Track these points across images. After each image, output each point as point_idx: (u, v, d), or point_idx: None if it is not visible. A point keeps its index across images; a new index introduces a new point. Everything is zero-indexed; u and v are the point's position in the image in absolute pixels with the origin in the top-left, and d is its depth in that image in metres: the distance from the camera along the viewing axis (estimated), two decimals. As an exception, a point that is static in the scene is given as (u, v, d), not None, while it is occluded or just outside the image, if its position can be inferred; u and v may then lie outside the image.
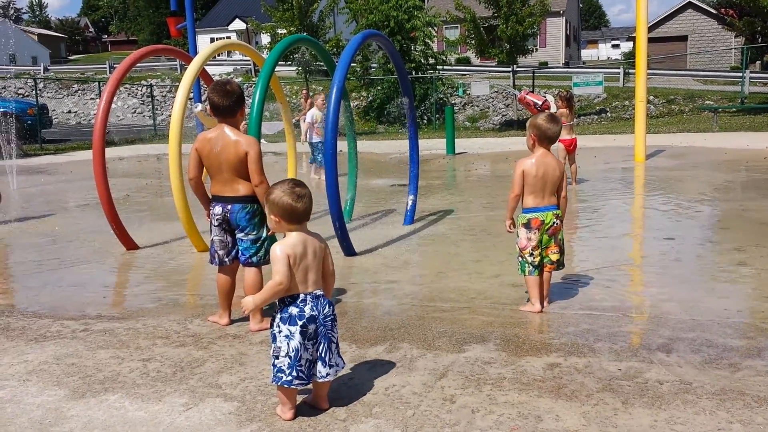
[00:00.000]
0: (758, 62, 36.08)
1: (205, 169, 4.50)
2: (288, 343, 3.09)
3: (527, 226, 4.52)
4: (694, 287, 5.10)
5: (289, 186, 3.15)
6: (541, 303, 4.58)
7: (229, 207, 4.36)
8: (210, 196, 4.52)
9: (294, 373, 3.08)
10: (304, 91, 22.38)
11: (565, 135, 9.78)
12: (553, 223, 4.49)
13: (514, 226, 4.67)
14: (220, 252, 4.48)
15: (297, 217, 3.14)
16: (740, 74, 26.39)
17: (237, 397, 3.44)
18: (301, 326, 3.08)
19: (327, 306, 3.18)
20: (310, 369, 3.14)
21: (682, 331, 4.13)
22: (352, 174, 8.30)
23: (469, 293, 5.16)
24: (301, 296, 3.13)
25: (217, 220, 4.42)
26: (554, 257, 4.56)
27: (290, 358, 3.08)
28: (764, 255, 5.88)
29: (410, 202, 8.14)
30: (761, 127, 19.07)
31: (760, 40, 27.56)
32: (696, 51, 39.61)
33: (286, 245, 3.12)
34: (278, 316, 3.15)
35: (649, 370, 3.57)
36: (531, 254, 4.52)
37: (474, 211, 8.79)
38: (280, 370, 3.09)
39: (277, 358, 3.12)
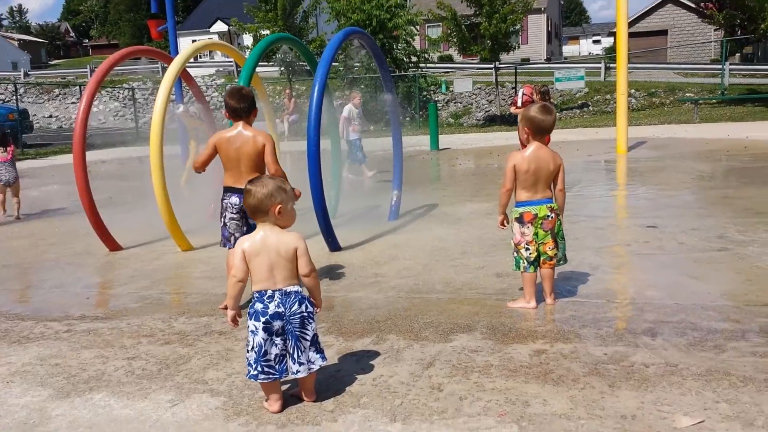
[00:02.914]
0: (737, 54, 36.41)
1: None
2: (253, 338, 3.08)
3: (520, 220, 4.37)
4: (677, 273, 5.13)
5: (249, 183, 3.21)
6: (545, 299, 4.50)
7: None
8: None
9: (259, 368, 3.06)
10: (288, 91, 22.37)
11: None
12: (547, 216, 4.33)
13: (508, 222, 4.50)
14: (237, 234, 4.70)
15: (250, 212, 3.19)
16: (720, 66, 26.64)
17: (224, 392, 3.42)
18: (264, 322, 3.05)
19: (297, 303, 3.10)
20: (283, 363, 3.11)
21: (666, 315, 4.16)
22: (336, 171, 8.29)
23: (455, 284, 5.17)
24: (268, 292, 3.10)
25: (235, 209, 4.75)
26: (551, 253, 4.39)
27: (255, 353, 3.07)
28: (745, 240, 5.94)
29: (395, 198, 8.14)
30: (741, 118, 19.28)
31: (739, 32, 27.77)
32: (676, 44, 39.94)
33: (245, 241, 3.14)
34: (249, 310, 3.14)
35: (634, 354, 3.59)
36: (526, 249, 4.37)
37: (458, 205, 8.81)
38: (249, 364, 3.10)
39: (247, 351, 3.13)
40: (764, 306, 4.24)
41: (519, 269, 4.47)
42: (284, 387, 3.33)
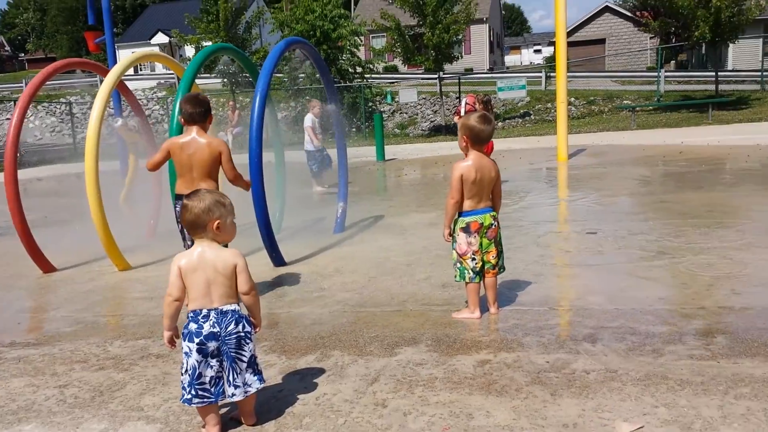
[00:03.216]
0: (673, 62, 37.75)
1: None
2: (187, 360, 2.97)
3: (466, 230, 4.35)
4: (616, 278, 5.22)
5: (185, 197, 3.10)
6: (489, 308, 4.50)
7: None
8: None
9: (193, 392, 2.95)
10: (231, 103, 22.10)
11: None
12: (491, 225, 4.36)
13: (452, 235, 4.49)
14: (189, 242, 4.78)
15: (187, 228, 3.10)
16: (656, 74, 27.52)
17: (160, 419, 3.30)
18: (198, 343, 2.94)
19: (233, 323, 2.99)
20: (219, 386, 3.00)
21: (606, 321, 4.22)
22: (280, 184, 8.19)
23: (400, 296, 5.14)
24: (203, 311, 2.99)
25: None
26: (494, 261, 4.41)
27: (189, 375, 2.96)
28: (681, 244, 6.10)
29: (340, 210, 8.09)
30: (676, 124, 19.93)
31: (674, 40, 28.77)
32: (614, 53, 41.10)
33: (178, 258, 3.04)
34: (183, 331, 3.03)
35: (576, 361, 3.62)
36: (473, 259, 4.36)
37: (404, 215, 8.81)
38: (183, 388, 2.99)
39: (182, 374, 3.01)
40: (700, 309, 4.34)
41: (463, 280, 4.46)
42: (223, 410, 3.24)
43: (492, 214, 4.39)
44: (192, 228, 3.05)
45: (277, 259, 6.36)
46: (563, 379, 3.40)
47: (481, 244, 4.38)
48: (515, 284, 5.13)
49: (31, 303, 6.01)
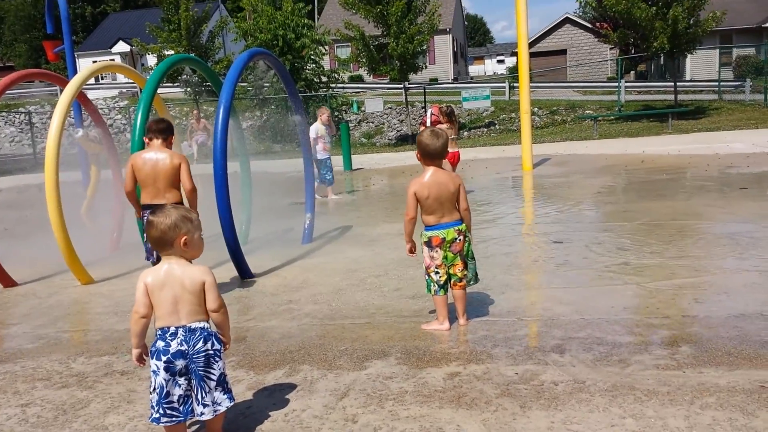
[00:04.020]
0: (632, 72, 38.53)
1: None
2: (155, 379, 2.91)
3: (428, 244, 4.39)
4: (583, 287, 5.29)
5: (152, 213, 3.04)
6: (456, 320, 4.52)
7: None
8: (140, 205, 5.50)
9: (161, 411, 2.90)
10: (195, 112, 21.85)
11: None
12: (455, 239, 4.35)
13: (415, 249, 4.52)
14: (154, 258, 5.22)
15: (153, 245, 3.04)
16: (616, 84, 28.05)
17: (126, 438, 3.23)
18: (165, 361, 2.89)
19: (201, 341, 2.94)
20: (188, 405, 2.95)
21: (573, 331, 4.26)
22: (246, 194, 8.12)
23: (370, 309, 5.13)
24: (171, 329, 2.93)
25: None
26: (461, 274, 4.41)
27: (157, 394, 2.90)
28: (645, 253, 6.20)
29: (308, 221, 8.05)
30: (637, 133, 20.32)
31: (633, 51, 29.34)
32: (575, 63, 41.79)
33: (147, 275, 2.97)
34: (150, 348, 2.97)
35: (544, 372, 3.65)
36: (436, 272, 4.39)
37: (372, 225, 8.80)
38: (151, 407, 2.93)
39: (150, 393, 2.95)
40: (665, 318, 4.42)
41: (430, 292, 4.49)
42: (191, 429, 3.18)
43: (457, 228, 4.38)
44: (159, 245, 2.99)
45: (244, 271, 6.30)
46: (532, 391, 3.42)
47: (446, 257, 4.39)
48: (483, 295, 5.16)
49: (-10, 319, 5.83)
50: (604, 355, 3.84)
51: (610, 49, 36.65)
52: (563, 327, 4.36)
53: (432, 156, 4.33)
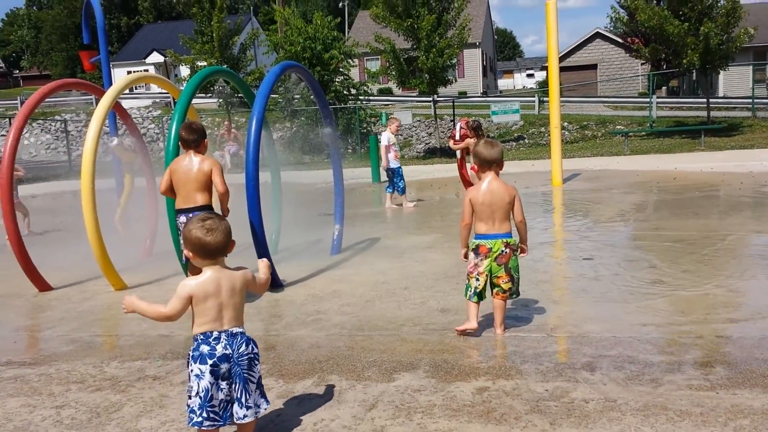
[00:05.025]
0: (664, 87, 38.12)
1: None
2: (198, 383, 2.95)
3: (476, 251, 4.51)
4: (613, 305, 5.24)
5: (199, 219, 3.03)
6: (496, 329, 4.62)
7: (191, 215, 5.21)
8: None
9: (205, 414, 2.94)
10: (227, 123, 22.12)
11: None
12: (501, 251, 4.44)
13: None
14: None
15: (208, 252, 3.00)
16: (648, 99, 27.78)
17: (158, 442, 3.28)
18: (211, 365, 2.94)
19: (244, 344, 3.04)
20: (227, 409, 3.00)
21: (604, 349, 4.22)
22: (276, 205, 8.20)
23: (398, 320, 5.13)
24: (215, 334, 3.00)
25: (183, 225, 5.28)
26: (505, 286, 4.50)
27: (200, 398, 2.95)
28: (678, 272, 6.12)
29: (337, 232, 8.10)
30: (669, 149, 20.10)
31: (665, 66, 29.06)
32: (606, 78, 41.51)
33: (194, 284, 3.00)
34: (191, 353, 3.02)
35: (575, 390, 3.62)
36: (477, 279, 4.50)
37: (401, 238, 8.82)
38: (192, 411, 2.97)
39: (189, 397, 2.99)
40: (698, 338, 4.36)
41: (466, 296, 4.59)
42: (222, 435, 3.22)
43: (505, 240, 4.47)
44: (219, 251, 3.01)
45: (274, 282, 6.35)
46: (562, 408, 3.40)
47: (490, 269, 4.47)
48: (513, 310, 5.14)
49: (28, 322, 5.96)
50: (635, 374, 3.80)
51: (642, 64, 36.38)
52: (594, 344, 4.32)
53: (489, 164, 4.52)
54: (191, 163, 5.52)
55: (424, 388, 3.78)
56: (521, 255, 4.63)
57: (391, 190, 12.12)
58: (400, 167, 12.06)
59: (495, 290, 4.54)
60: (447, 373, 3.98)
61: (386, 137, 12.08)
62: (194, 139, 5.55)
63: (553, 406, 3.42)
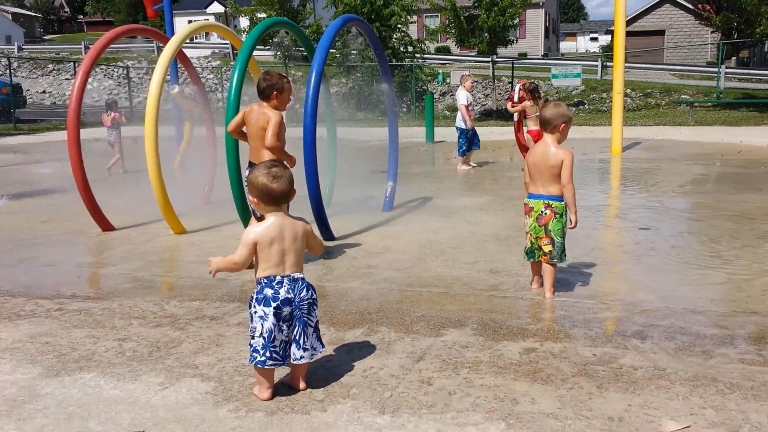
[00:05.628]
0: (734, 58, 36.51)
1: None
2: (262, 324, 3.09)
3: (525, 210, 4.64)
4: (668, 276, 5.17)
5: (265, 167, 3.13)
6: (545, 293, 4.66)
7: None
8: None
9: (267, 354, 3.08)
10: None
11: (532, 126, 9.83)
12: (542, 212, 4.46)
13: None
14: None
15: (273, 198, 3.09)
16: (716, 69, 26.69)
17: (214, 378, 3.43)
18: (275, 308, 3.08)
19: (305, 290, 3.18)
20: (286, 350, 3.14)
21: (656, 319, 4.19)
22: (331, 160, 8.27)
23: (447, 279, 5.18)
24: (278, 278, 3.11)
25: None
26: (546, 248, 4.50)
27: (264, 338, 3.08)
28: (737, 247, 5.98)
29: (389, 189, 8.14)
30: (736, 122, 19.37)
31: (736, 36, 27.78)
32: (673, 45, 39.97)
33: (258, 230, 3.10)
34: (254, 296, 3.14)
35: (623, 356, 3.62)
36: (526, 237, 4.65)
37: (452, 198, 8.82)
38: (255, 350, 3.10)
39: (252, 338, 3.13)
40: (753, 314, 4.28)
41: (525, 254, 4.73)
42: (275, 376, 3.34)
43: (546, 201, 4.46)
44: (282, 198, 3.11)
45: (327, 234, 6.46)
46: (610, 373, 3.41)
47: (534, 228, 4.53)
48: (565, 275, 5.13)
49: (91, 259, 6.23)
50: (686, 344, 3.77)
51: (711, 32, 34.88)
52: (646, 314, 4.29)
53: (542, 124, 4.61)
54: (258, 113, 5.25)
55: (471, 344, 3.83)
56: (569, 227, 4.54)
57: (465, 150, 11.84)
58: (467, 129, 11.77)
59: (539, 252, 4.58)
60: (495, 332, 4.03)
61: (464, 96, 11.70)
62: (262, 89, 5.24)
63: (600, 371, 3.44)
